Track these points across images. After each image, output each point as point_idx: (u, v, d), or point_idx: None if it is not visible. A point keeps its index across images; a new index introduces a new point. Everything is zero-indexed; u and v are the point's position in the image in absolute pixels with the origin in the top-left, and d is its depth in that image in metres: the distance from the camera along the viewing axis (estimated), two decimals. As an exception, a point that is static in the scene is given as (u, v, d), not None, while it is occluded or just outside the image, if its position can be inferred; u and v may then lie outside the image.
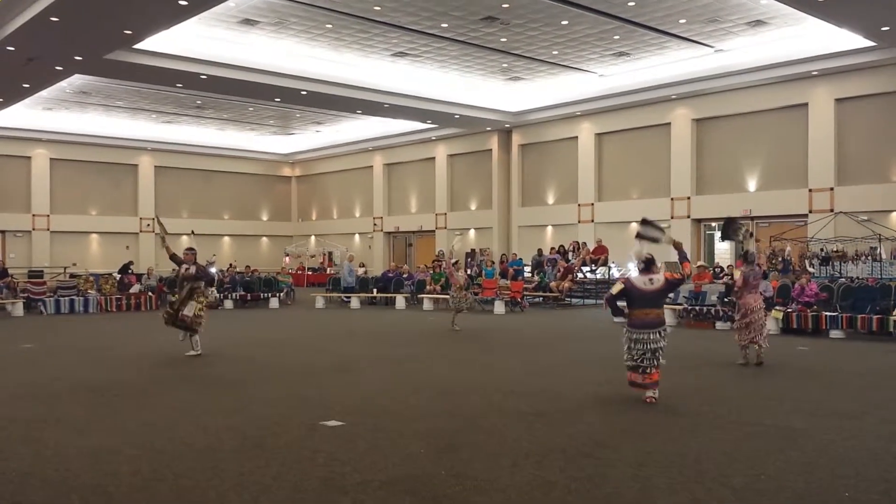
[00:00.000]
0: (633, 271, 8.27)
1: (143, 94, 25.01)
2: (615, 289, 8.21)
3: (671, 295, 16.49)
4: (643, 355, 7.75)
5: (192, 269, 11.53)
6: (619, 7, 16.94)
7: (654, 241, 8.48)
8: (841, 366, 10.71)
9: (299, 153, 36.42)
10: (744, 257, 10.75)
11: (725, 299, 15.41)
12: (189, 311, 11.25)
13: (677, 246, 8.41)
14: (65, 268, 27.57)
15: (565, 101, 24.74)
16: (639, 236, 8.41)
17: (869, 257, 17.65)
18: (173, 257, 11.73)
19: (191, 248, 11.78)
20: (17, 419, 7.14)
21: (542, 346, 12.99)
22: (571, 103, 24.75)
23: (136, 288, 22.14)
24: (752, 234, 10.66)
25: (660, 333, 7.84)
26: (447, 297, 21.06)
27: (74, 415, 7.36)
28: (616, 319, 8.75)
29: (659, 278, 7.95)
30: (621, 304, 8.13)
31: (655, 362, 7.77)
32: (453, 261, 16.77)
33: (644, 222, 8.51)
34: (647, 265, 8.06)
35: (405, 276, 23.73)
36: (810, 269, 17.27)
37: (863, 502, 4.76)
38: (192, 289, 11.41)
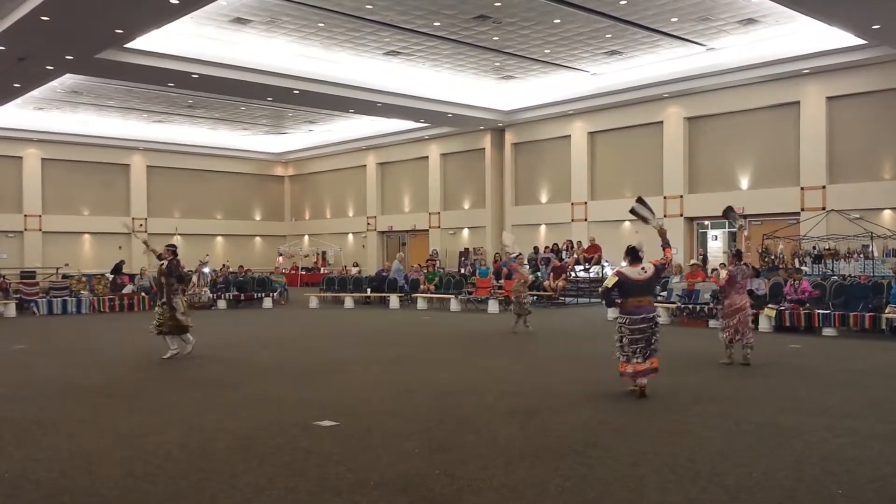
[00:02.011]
0: (624, 264, 8.51)
1: (135, 94, 24.92)
2: (610, 282, 8.49)
3: (664, 293, 16.73)
4: (646, 343, 8.05)
5: (164, 264, 11.41)
6: (611, 5, 16.95)
7: (645, 220, 8.91)
8: (833, 364, 10.74)
9: (292, 152, 36.34)
10: (735, 256, 10.81)
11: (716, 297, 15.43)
12: (178, 307, 11.15)
13: (662, 232, 8.73)
14: (57, 268, 27.45)
15: (558, 99, 24.73)
16: (632, 212, 8.89)
17: (861, 255, 17.71)
18: (160, 257, 11.70)
19: (171, 245, 11.77)
20: (10, 421, 7.12)
21: (536, 345, 12.99)
22: (564, 102, 24.75)
23: (128, 288, 22.08)
24: (743, 227, 11.22)
25: (655, 321, 8.24)
26: (443, 296, 21.18)
27: (67, 416, 7.34)
28: (611, 310, 9.02)
29: (649, 266, 8.27)
30: (614, 295, 8.43)
31: (656, 348, 8.14)
32: (514, 255, 15.50)
33: (639, 201, 8.93)
34: (635, 256, 8.35)
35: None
36: (803, 269, 17.28)
37: (855, 500, 4.78)
38: (168, 285, 11.24)
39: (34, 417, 7.25)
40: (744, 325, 10.34)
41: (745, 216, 21.69)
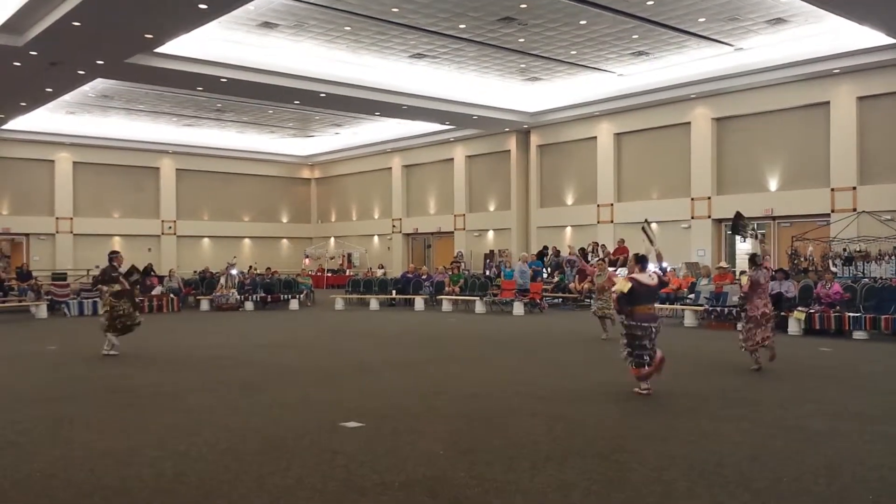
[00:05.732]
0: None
1: (165, 98, 25.22)
2: (625, 287, 8.46)
3: (691, 296, 16.59)
4: (649, 344, 8.27)
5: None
6: (638, 6, 16.85)
7: (650, 242, 9.57)
8: (864, 367, 10.60)
9: (318, 155, 36.55)
10: (750, 260, 10.56)
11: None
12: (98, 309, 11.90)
13: (659, 256, 9.18)
14: (88, 270, 27.84)
15: (584, 101, 24.62)
16: (642, 230, 9.70)
17: (893, 257, 17.42)
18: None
19: (112, 252, 12.77)
20: (42, 420, 7.24)
21: (561, 348, 12.96)
22: (590, 103, 24.63)
23: (158, 290, 22.33)
24: (756, 234, 11.16)
25: (657, 324, 8.53)
26: (468, 298, 21.18)
27: (98, 416, 7.45)
28: (618, 318, 9.04)
29: (653, 274, 8.56)
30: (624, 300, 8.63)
31: (655, 348, 8.38)
32: (596, 259, 15.12)
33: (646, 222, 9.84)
34: (644, 263, 8.72)
35: (424, 277, 23.76)
36: (834, 270, 17.02)
37: (887, 506, 4.71)
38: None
39: (66, 417, 7.36)
40: (766, 328, 10.16)
41: (773, 218, 21.55)
